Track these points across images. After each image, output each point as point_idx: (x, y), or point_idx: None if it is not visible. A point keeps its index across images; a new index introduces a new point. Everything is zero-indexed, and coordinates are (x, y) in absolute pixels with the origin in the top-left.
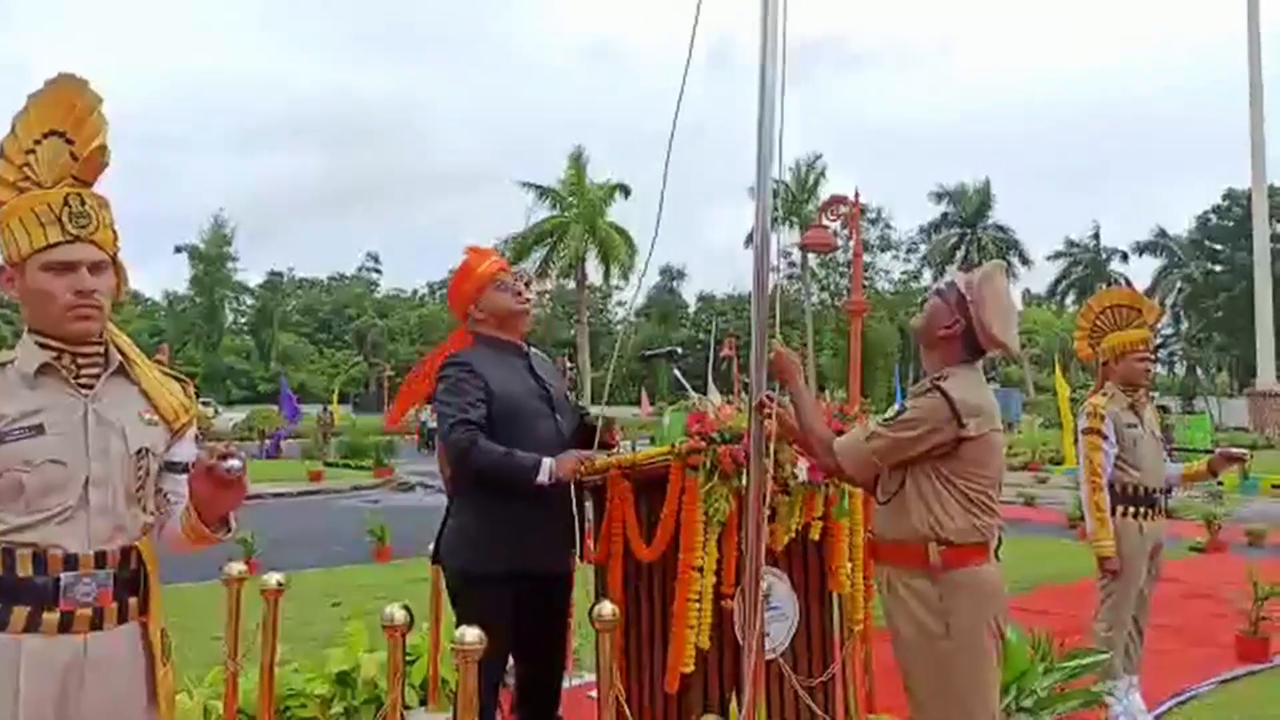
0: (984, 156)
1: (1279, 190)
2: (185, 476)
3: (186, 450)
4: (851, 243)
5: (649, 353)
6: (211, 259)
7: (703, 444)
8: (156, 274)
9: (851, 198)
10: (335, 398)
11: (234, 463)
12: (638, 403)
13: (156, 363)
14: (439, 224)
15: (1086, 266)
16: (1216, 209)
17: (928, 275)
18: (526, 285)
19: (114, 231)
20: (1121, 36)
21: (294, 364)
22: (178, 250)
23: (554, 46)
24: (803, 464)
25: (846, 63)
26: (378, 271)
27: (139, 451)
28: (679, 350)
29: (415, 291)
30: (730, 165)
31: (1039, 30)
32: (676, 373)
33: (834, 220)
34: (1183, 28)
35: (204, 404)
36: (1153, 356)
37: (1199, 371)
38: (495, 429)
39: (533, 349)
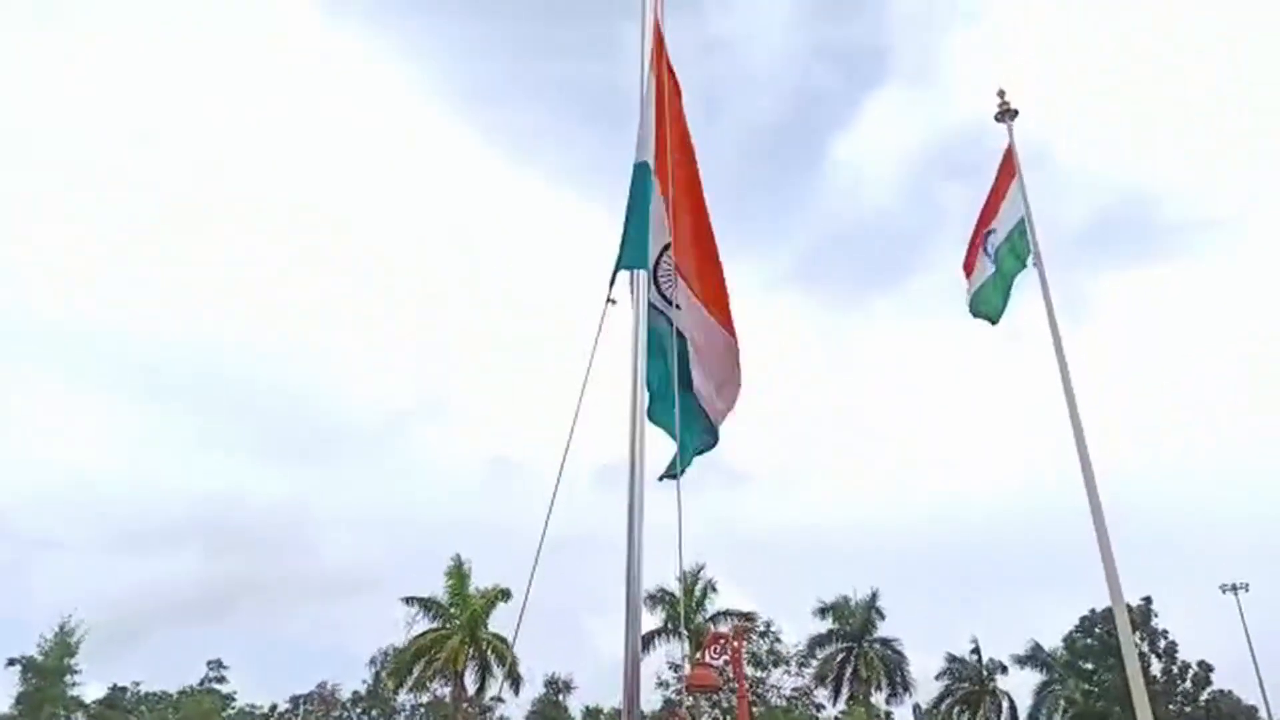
0: (868, 567)
1: (1134, 610)
2: None
3: None
4: (735, 678)
5: None
6: (48, 672)
7: None
8: None
9: (731, 634)
10: None
11: None
12: None
13: None
14: (314, 633)
15: (971, 682)
16: (1079, 628)
17: (821, 694)
18: None
19: None
20: (989, 457)
21: None
22: (11, 663)
23: (456, 459)
24: None
25: (734, 479)
26: (222, 680)
27: None
28: None
29: (275, 706)
30: (619, 576)
31: (912, 458)
32: None
33: (717, 657)
34: (1024, 448)
35: None
36: None
37: None
38: None
39: None
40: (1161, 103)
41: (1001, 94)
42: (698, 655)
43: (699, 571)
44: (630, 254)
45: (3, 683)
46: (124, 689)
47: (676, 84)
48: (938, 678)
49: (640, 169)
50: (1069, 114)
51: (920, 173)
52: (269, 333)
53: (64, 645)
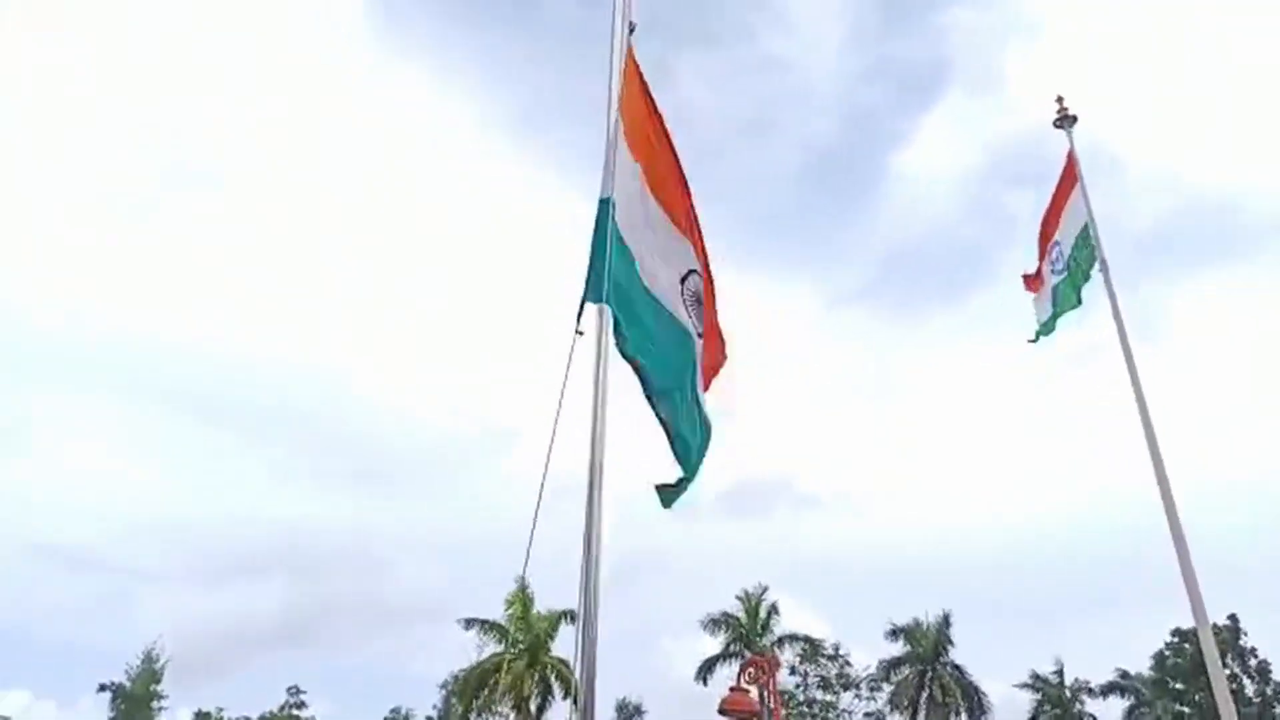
0: (939, 589)
1: (1223, 629)
2: None
3: None
4: (772, 703)
5: None
6: (136, 698)
7: None
8: (78, 716)
9: (766, 661)
10: None
11: None
12: None
13: None
14: (390, 658)
15: (1055, 704)
16: (1170, 646)
17: (896, 719)
18: None
19: None
20: (1056, 476)
21: None
22: (102, 689)
23: (523, 482)
24: None
25: (800, 501)
26: (301, 706)
27: None
28: None
29: None
30: (693, 597)
31: (979, 477)
32: None
33: (752, 683)
34: (1099, 465)
35: None
36: None
37: None
38: None
39: None
40: (1241, 103)
41: (1060, 100)
42: (767, 651)
43: (762, 594)
44: (594, 289)
45: (97, 708)
46: (208, 714)
47: (657, 113)
48: (1019, 688)
49: (603, 205)
50: (1138, 118)
51: (982, 184)
52: (338, 367)
53: (150, 672)
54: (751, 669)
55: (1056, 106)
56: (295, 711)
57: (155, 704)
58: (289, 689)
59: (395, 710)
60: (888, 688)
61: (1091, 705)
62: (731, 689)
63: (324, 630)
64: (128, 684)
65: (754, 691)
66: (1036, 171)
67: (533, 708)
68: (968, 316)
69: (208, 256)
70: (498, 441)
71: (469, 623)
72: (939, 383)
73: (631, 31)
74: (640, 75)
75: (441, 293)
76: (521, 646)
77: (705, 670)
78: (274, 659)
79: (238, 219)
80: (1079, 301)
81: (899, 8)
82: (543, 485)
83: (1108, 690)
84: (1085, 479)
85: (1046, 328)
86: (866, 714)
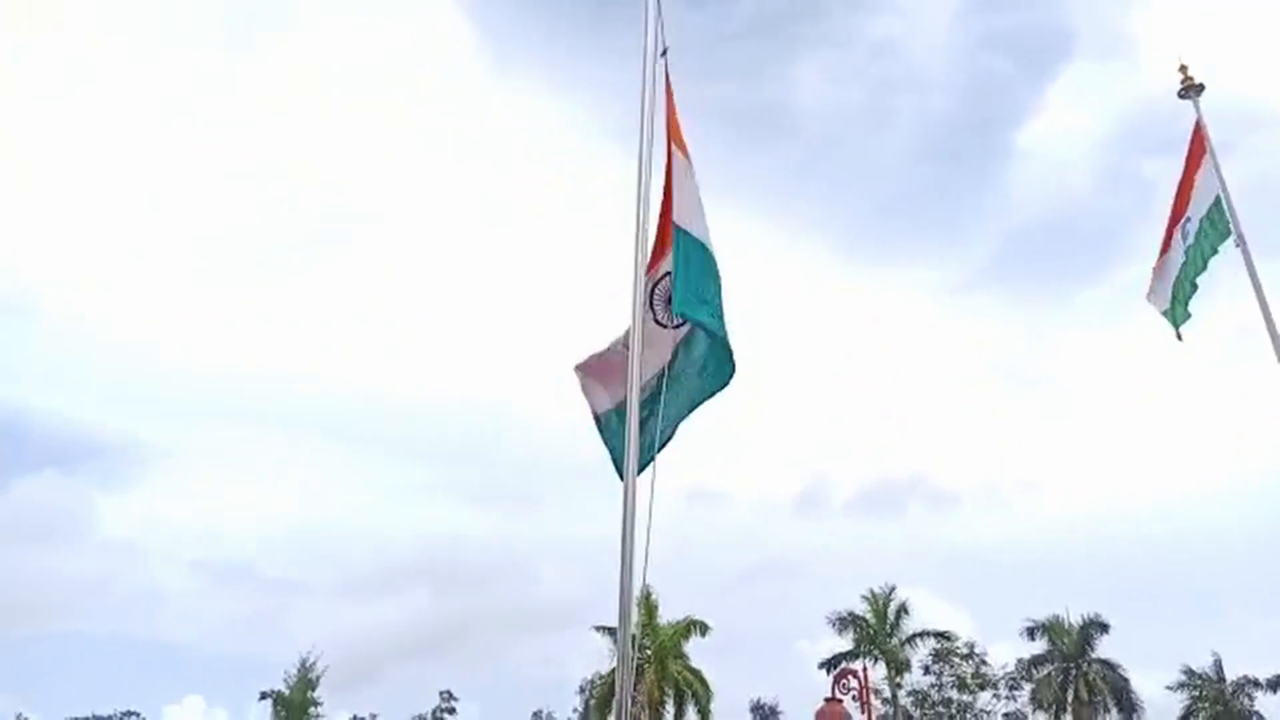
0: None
1: None
2: None
3: None
4: (863, 714)
5: None
6: (294, 705)
7: None
8: None
9: (860, 671)
10: None
11: None
12: None
13: None
14: (533, 663)
15: (1215, 702)
16: None
17: (1040, 718)
18: None
19: None
20: (1213, 460)
21: None
22: (263, 697)
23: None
24: None
25: (936, 497)
26: (452, 711)
27: None
28: None
29: None
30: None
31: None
32: None
33: (845, 693)
34: (1254, 451)
35: None
36: None
37: None
38: None
39: None
40: None
41: (1184, 69)
42: (898, 653)
43: (890, 593)
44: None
45: (261, 714)
46: (361, 718)
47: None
48: (1172, 690)
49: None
50: None
51: (1116, 153)
52: (479, 383)
53: (306, 680)
54: (845, 679)
55: (1180, 76)
56: (446, 716)
57: (312, 710)
58: (442, 693)
59: (538, 713)
60: (1029, 686)
61: (1262, 701)
62: (826, 700)
63: (472, 639)
64: (286, 691)
65: (847, 701)
66: (1173, 136)
67: (668, 714)
68: (1111, 292)
69: (358, 297)
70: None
71: (600, 629)
72: (1083, 363)
73: (664, 54)
74: (671, 96)
75: (571, 306)
76: (649, 653)
77: (830, 668)
78: (423, 667)
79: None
80: (1195, 288)
81: None
82: (629, 496)
83: (1275, 684)
84: (1243, 463)
85: (1177, 318)
86: (1005, 714)
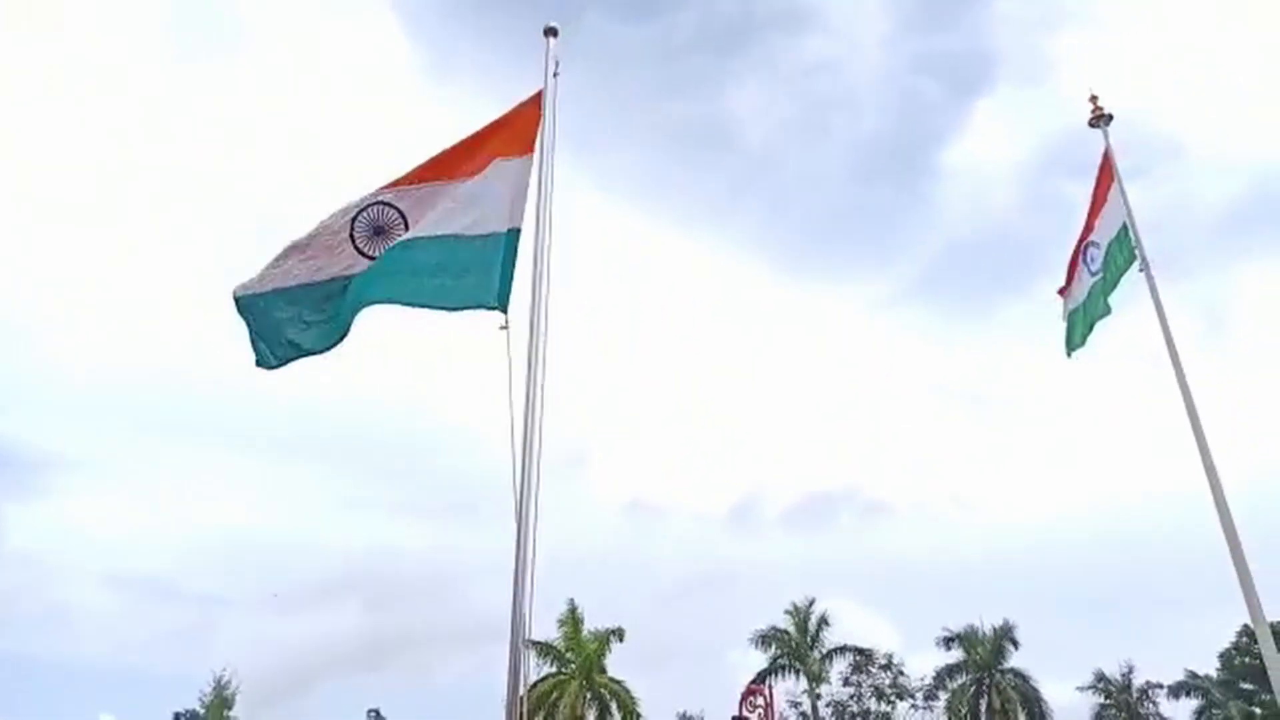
0: (1006, 594)
1: None
2: None
3: None
4: None
5: None
6: None
7: None
8: None
9: (766, 689)
10: None
11: None
12: None
13: None
14: (464, 680)
15: (1121, 709)
16: (1236, 646)
17: None
18: None
19: None
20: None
21: None
22: (176, 718)
23: (596, 504)
24: None
25: (868, 509)
26: None
27: None
28: None
29: None
30: (760, 612)
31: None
32: None
33: (752, 711)
34: (1158, 464)
35: None
36: None
37: None
38: None
39: None
40: None
41: (1094, 99)
42: (817, 668)
43: (810, 606)
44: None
45: None
46: None
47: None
48: (1082, 691)
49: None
50: (1200, 104)
51: (1038, 173)
52: (407, 390)
53: (221, 699)
54: (751, 697)
55: (1090, 106)
56: None
57: None
58: (369, 711)
59: None
60: (944, 696)
61: (1165, 707)
62: (733, 718)
63: (402, 654)
64: (200, 710)
65: (754, 717)
66: (1089, 160)
67: None
68: (1034, 307)
69: None
70: (573, 462)
71: (532, 644)
72: (1006, 377)
73: (555, 74)
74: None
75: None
76: (574, 666)
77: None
78: (353, 684)
79: None
80: (1108, 309)
81: (937, 3)
82: (521, 510)
83: (1178, 690)
84: (1153, 476)
85: (1077, 339)
86: None
